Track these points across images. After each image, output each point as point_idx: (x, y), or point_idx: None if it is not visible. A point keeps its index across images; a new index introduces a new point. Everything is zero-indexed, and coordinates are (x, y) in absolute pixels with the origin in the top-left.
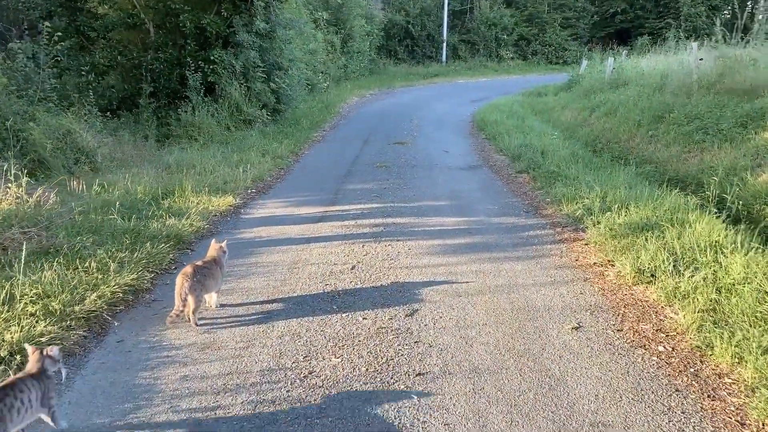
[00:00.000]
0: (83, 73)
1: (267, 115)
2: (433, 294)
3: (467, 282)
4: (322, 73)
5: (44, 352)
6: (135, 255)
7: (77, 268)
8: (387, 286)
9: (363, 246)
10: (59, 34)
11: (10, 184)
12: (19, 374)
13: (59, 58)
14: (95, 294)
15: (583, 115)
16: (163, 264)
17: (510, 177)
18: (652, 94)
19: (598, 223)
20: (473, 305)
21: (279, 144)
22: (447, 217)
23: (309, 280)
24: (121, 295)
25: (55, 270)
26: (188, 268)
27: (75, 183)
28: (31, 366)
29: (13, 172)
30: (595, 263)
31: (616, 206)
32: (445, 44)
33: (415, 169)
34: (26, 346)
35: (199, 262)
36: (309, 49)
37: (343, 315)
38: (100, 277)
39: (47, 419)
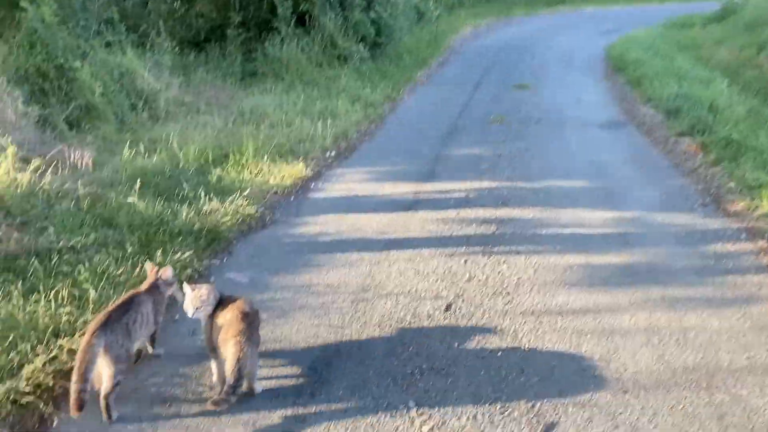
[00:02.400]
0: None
1: (365, 49)
2: (578, 385)
3: (633, 357)
4: None
5: (159, 273)
6: (136, 271)
7: (46, 293)
8: (499, 356)
9: (465, 262)
10: None
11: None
12: (134, 290)
13: None
14: (38, 360)
15: (747, 53)
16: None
17: (668, 142)
18: None
19: None
20: (650, 417)
21: (374, 87)
22: (587, 209)
23: (378, 330)
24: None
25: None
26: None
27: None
28: (146, 283)
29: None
30: None
31: None
32: None
33: (540, 126)
34: (147, 264)
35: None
36: None
37: (424, 419)
38: (66, 317)
39: (146, 342)
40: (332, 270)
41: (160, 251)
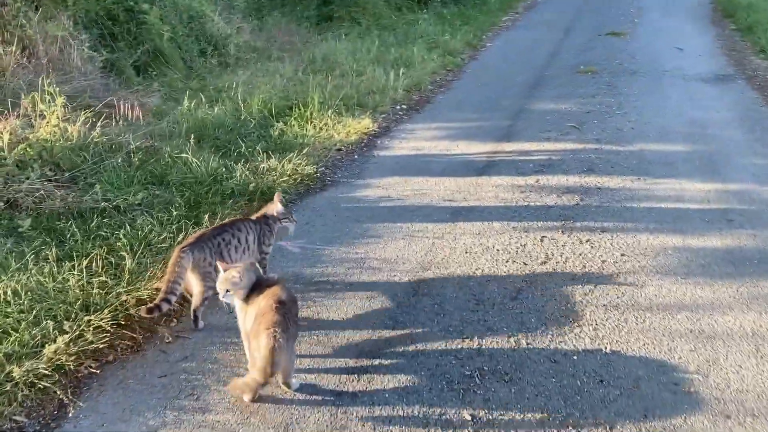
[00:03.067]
0: None
1: None
2: (668, 404)
3: (737, 370)
4: None
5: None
6: (180, 237)
7: (81, 260)
8: (575, 360)
9: (542, 240)
10: None
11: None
12: (242, 216)
13: None
14: (61, 339)
15: None
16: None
17: None
18: None
19: None
20: None
21: (454, 33)
22: (686, 179)
23: (436, 319)
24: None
25: (42, 262)
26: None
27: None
28: (258, 213)
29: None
30: None
31: None
32: None
33: (635, 79)
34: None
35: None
36: None
37: None
38: (97, 289)
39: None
40: (391, 242)
41: (207, 216)
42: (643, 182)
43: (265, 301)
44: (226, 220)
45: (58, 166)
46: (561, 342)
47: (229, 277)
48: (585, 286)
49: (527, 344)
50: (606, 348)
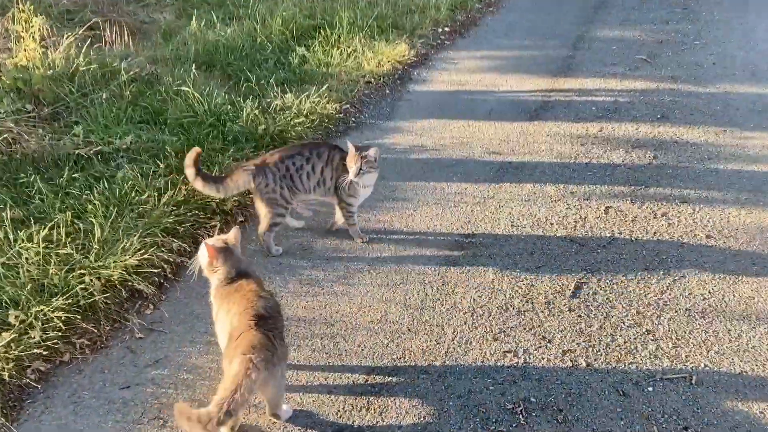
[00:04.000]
0: None
1: None
2: None
3: None
4: None
5: (361, 153)
6: (164, 198)
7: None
8: (650, 392)
9: (606, 212)
10: None
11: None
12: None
13: None
14: (2, 339)
15: None
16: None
17: None
18: None
19: None
20: None
21: None
22: None
23: (468, 321)
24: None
25: None
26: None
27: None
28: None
29: None
30: None
31: None
32: None
33: (718, 2)
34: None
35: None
36: None
37: None
38: (55, 267)
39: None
40: (422, 208)
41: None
42: (731, 136)
43: (241, 303)
44: (305, 141)
45: (38, 99)
46: (631, 363)
47: (204, 252)
48: (661, 281)
49: (587, 365)
50: (691, 376)
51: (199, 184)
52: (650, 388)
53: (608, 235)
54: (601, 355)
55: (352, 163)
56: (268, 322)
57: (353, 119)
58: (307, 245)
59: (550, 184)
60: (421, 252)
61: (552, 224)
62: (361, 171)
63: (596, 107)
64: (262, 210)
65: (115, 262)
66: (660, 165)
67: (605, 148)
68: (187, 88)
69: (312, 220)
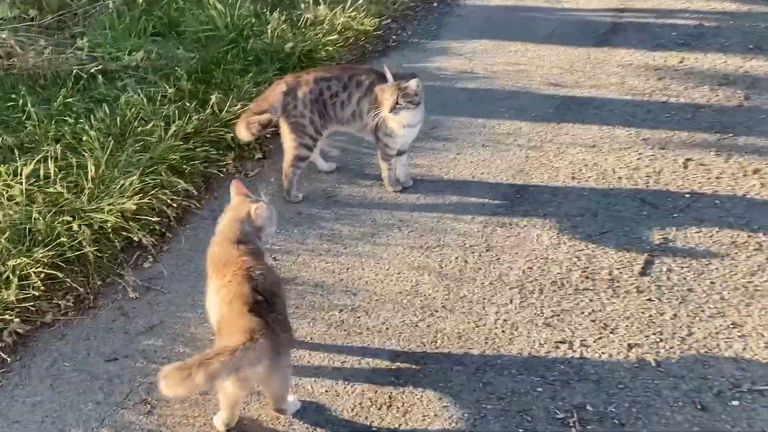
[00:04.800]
0: None
1: None
2: None
3: None
4: None
5: (399, 83)
6: (172, 129)
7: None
8: (734, 407)
9: (685, 165)
10: None
11: None
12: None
13: None
14: None
15: None
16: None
17: None
18: None
19: None
20: None
21: None
22: None
23: (515, 300)
24: None
25: None
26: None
27: None
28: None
29: None
30: None
31: None
32: None
33: None
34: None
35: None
36: None
37: None
38: (47, 206)
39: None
40: (467, 151)
41: (216, 93)
42: None
43: (227, 291)
44: (343, 64)
45: (40, 8)
46: (712, 366)
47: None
48: (752, 258)
49: (657, 364)
50: None
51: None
52: (735, 402)
53: (687, 195)
54: (675, 352)
55: (387, 95)
56: (266, 305)
57: (394, 37)
58: (331, 191)
59: (619, 126)
60: (462, 207)
61: (620, 178)
62: (397, 106)
63: (677, 32)
64: (287, 138)
65: (111, 204)
66: (752, 108)
67: (686, 83)
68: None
69: (338, 160)
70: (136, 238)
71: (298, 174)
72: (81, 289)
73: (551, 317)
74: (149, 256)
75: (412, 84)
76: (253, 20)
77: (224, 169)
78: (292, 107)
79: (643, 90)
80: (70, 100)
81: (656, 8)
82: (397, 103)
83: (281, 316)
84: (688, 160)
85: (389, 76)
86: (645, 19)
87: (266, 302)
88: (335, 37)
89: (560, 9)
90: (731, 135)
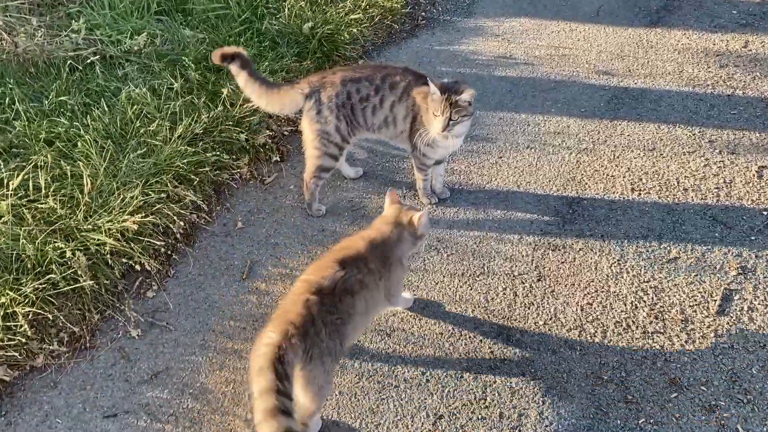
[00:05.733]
0: None
1: None
2: None
3: None
4: None
5: (450, 96)
6: (179, 129)
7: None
8: None
9: (760, 175)
10: None
11: None
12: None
13: None
14: None
15: None
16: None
17: None
18: None
19: None
20: None
21: None
22: None
23: (576, 366)
24: None
25: None
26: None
27: None
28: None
29: None
30: None
31: None
32: None
33: None
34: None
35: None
36: None
37: None
38: (36, 225)
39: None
40: (508, 154)
41: (230, 83)
42: None
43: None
44: (375, 63)
45: None
46: None
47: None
48: None
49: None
50: None
51: (242, 79)
52: None
53: (765, 212)
54: (765, 424)
55: (438, 111)
56: (325, 302)
57: (423, 14)
58: (359, 203)
59: (681, 125)
60: (508, 224)
61: (686, 190)
62: (451, 122)
63: (737, 10)
64: (309, 146)
65: (110, 222)
66: None
67: (753, 72)
68: None
69: (365, 164)
70: (138, 267)
71: (321, 185)
72: (75, 328)
73: (612, 366)
74: (153, 284)
75: (465, 96)
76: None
77: (237, 175)
78: (316, 112)
79: (704, 80)
80: (63, 98)
81: None
82: (450, 119)
83: (340, 321)
84: (762, 167)
85: (436, 90)
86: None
87: (328, 299)
88: (359, 15)
89: None
90: None
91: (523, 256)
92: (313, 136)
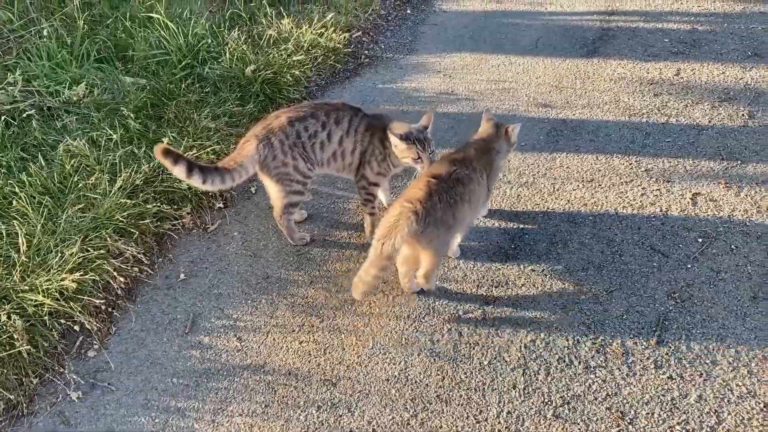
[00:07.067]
0: None
1: None
2: None
3: None
4: None
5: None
6: (129, 176)
7: None
8: None
9: (693, 200)
10: None
11: None
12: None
13: None
14: None
15: None
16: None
17: None
18: None
19: None
20: None
21: None
22: None
23: (520, 405)
24: None
25: None
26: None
27: None
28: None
29: None
30: None
31: None
32: None
33: None
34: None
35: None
36: None
37: None
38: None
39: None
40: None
41: (171, 131)
42: None
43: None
44: (322, 100)
45: None
46: None
47: None
48: None
49: None
50: None
51: (196, 181)
52: None
53: (699, 239)
54: None
55: (414, 155)
56: (444, 184)
57: (366, 52)
58: (303, 247)
59: (618, 155)
60: (453, 260)
61: (623, 220)
62: (432, 155)
63: (669, 38)
64: (272, 190)
65: (48, 281)
66: (758, 128)
67: (684, 100)
68: (156, 15)
69: (310, 206)
70: (77, 327)
71: (294, 217)
72: (11, 395)
73: (561, 406)
74: (94, 342)
75: (429, 134)
76: (210, 41)
77: (180, 225)
78: (271, 158)
79: (639, 110)
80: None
81: (645, 10)
82: (432, 152)
83: (453, 201)
84: (696, 194)
85: (396, 140)
86: (635, 23)
87: (445, 183)
88: (302, 57)
89: (544, 13)
90: (738, 162)
91: (467, 292)
92: (275, 181)
